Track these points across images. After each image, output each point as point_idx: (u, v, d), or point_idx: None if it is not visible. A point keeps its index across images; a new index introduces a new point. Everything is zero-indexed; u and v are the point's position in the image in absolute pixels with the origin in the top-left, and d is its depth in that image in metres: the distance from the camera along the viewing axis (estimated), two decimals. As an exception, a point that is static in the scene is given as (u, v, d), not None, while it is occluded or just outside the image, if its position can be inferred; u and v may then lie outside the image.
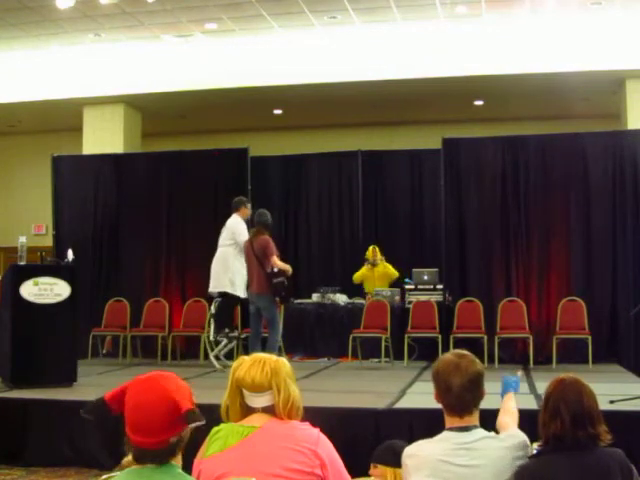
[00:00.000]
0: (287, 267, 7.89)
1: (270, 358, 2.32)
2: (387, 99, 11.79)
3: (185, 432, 1.94)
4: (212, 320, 8.83)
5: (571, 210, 9.37)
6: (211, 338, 8.81)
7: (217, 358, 8.63)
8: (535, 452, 2.54)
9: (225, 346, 8.74)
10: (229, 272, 8.37)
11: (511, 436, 2.57)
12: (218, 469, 2.19)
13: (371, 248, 10.38)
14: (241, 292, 8.36)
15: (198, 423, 1.91)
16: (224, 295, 8.55)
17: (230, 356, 8.68)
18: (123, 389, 1.96)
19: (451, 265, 9.62)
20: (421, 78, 10.89)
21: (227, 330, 8.64)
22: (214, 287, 8.62)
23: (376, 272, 10.30)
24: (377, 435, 5.10)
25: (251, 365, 2.29)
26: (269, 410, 2.27)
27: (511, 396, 2.99)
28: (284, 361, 2.34)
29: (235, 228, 8.41)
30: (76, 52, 11.43)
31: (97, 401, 1.97)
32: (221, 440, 2.25)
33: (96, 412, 1.96)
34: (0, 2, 9.63)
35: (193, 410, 1.91)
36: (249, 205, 8.66)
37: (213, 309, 8.81)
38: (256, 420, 2.27)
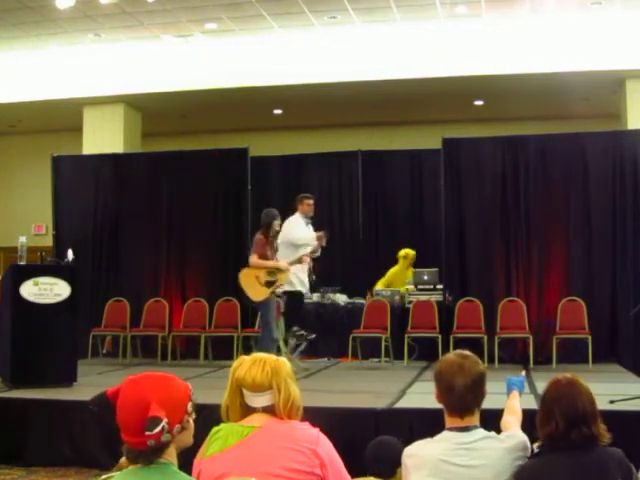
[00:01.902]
0: (264, 263, 7.81)
1: (270, 358, 2.33)
2: (387, 99, 11.79)
3: (165, 437, 1.91)
4: None
5: (571, 210, 9.36)
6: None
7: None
8: (534, 452, 2.55)
9: (297, 345, 8.49)
10: None
11: (511, 437, 2.58)
12: (218, 469, 2.19)
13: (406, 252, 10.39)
14: (302, 287, 8.32)
15: (154, 431, 1.87)
16: (286, 294, 8.38)
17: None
18: (120, 386, 2.00)
19: (451, 265, 9.63)
20: (421, 78, 10.89)
21: (295, 329, 8.36)
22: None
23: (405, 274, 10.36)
24: (377, 435, 5.09)
25: (251, 365, 2.29)
26: (269, 410, 2.27)
27: (515, 395, 3.00)
28: (284, 361, 2.35)
29: (285, 228, 8.27)
30: (76, 52, 11.43)
31: (100, 395, 2.01)
32: (221, 440, 2.25)
33: (99, 405, 2.00)
34: (0, 2, 9.63)
35: (155, 418, 1.88)
36: (308, 201, 8.45)
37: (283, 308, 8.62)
38: (256, 420, 2.27)
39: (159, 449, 1.93)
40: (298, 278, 8.26)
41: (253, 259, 7.88)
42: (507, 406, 2.93)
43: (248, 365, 2.29)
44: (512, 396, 2.99)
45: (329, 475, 2.21)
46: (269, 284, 7.84)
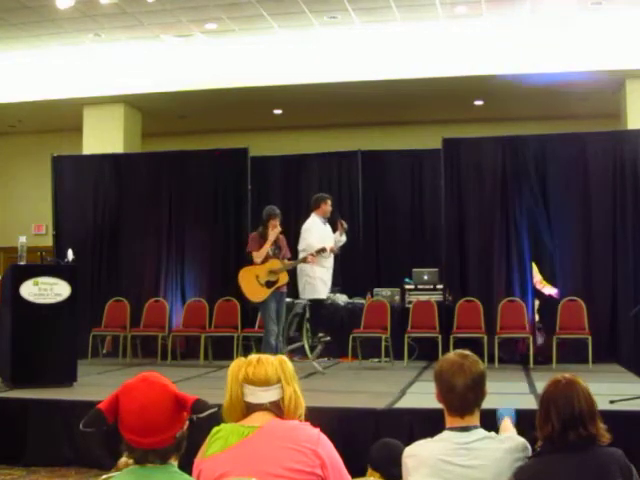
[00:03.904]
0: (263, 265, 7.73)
1: (270, 356, 2.35)
2: (387, 99, 11.78)
3: (185, 425, 1.96)
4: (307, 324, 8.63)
5: (571, 210, 9.36)
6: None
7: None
8: (534, 452, 2.55)
9: (316, 348, 8.42)
10: (304, 276, 8.03)
11: (511, 438, 2.58)
12: (218, 469, 2.19)
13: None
14: (322, 294, 8.18)
15: (210, 410, 1.93)
16: (311, 301, 8.23)
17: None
18: (115, 397, 1.93)
19: (451, 265, 9.63)
20: (421, 78, 10.89)
21: (321, 335, 8.21)
22: (300, 293, 8.27)
23: None
24: (377, 435, 5.09)
25: (258, 361, 2.30)
26: (274, 406, 2.28)
27: (507, 420, 2.97)
28: (286, 359, 2.36)
29: (303, 232, 8.11)
30: (76, 52, 11.43)
31: (93, 413, 1.93)
32: (221, 440, 2.24)
33: (95, 424, 1.93)
34: (0, 2, 9.63)
35: (200, 400, 1.93)
36: (328, 201, 8.22)
37: (308, 314, 8.57)
38: (257, 420, 2.27)
39: (180, 444, 1.94)
40: (323, 282, 8.09)
41: (256, 258, 7.69)
42: (502, 427, 2.91)
43: (255, 361, 2.30)
44: (504, 420, 2.96)
45: (329, 475, 2.21)
46: (269, 284, 7.71)
